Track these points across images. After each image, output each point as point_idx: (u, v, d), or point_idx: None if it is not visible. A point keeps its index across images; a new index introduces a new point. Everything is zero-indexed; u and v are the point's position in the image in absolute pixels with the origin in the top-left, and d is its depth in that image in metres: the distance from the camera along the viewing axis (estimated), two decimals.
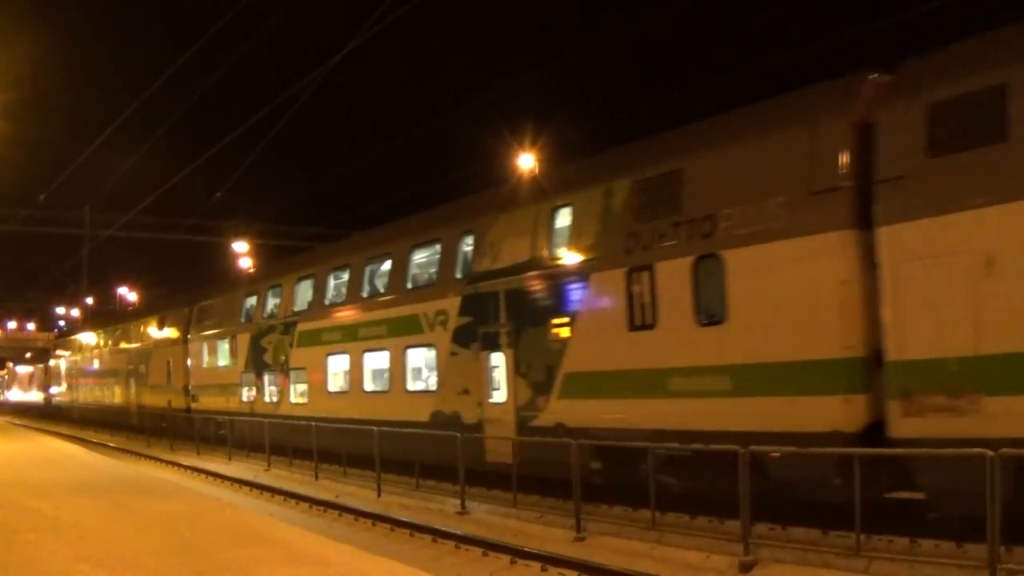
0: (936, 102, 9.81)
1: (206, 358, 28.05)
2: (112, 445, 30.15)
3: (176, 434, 28.53)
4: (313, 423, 20.06)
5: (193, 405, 28.74)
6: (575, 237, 14.26)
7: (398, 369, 18.46)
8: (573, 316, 14.10)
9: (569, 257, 14.28)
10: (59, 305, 71.90)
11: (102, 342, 42.04)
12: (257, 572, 8.32)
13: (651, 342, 12.74)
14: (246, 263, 38.67)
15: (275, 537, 10.49)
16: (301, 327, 22.26)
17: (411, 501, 15.41)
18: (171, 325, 30.99)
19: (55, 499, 13.37)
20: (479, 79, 65.68)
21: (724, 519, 11.35)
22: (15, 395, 74.82)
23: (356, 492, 16.82)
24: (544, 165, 20.61)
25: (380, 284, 19.62)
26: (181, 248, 50.80)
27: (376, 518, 14.07)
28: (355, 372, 19.99)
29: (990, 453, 7.90)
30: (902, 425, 9.83)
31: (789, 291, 11.02)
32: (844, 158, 10.61)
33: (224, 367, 26.56)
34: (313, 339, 21.65)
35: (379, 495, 16.16)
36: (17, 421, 50.93)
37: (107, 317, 49.23)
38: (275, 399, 23.68)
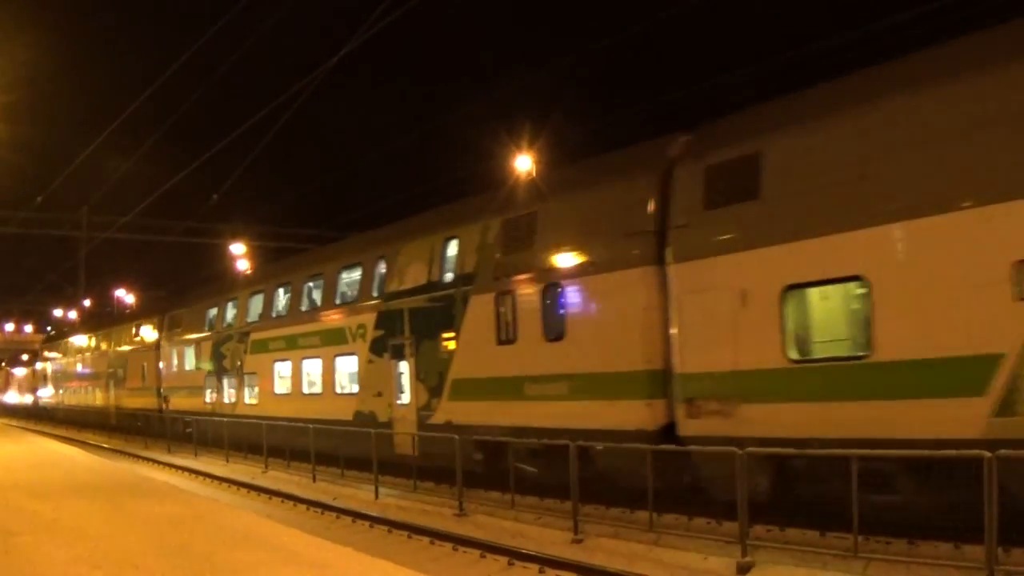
0: (711, 164, 11.65)
1: (175, 363, 29.76)
2: (108, 447, 30.18)
3: (150, 433, 30.15)
4: (263, 422, 21.78)
5: (165, 406, 30.41)
6: (460, 265, 16.05)
7: (328, 375, 20.23)
8: (458, 331, 15.89)
9: (455, 281, 16.08)
10: (57, 307, 69.51)
11: (84, 346, 43.27)
12: (255, 574, 8.07)
13: (512, 354, 14.55)
14: (243, 265, 37.98)
15: (273, 539, 10.17)
16: (253, 336, 24.00)
17: (409, 503, 15.10)
18: (147, 331, 32.64)
19: (53, 501, 13.02)
20: (477, 80, 65.37)
21: (722, 521, 11.01)
22: (12, 397, 73.79)
23: (354, 494, 16.41)
24: (539, 167, 21.64)
25: (315, 300, 21.36)
26: (179, 250, 49.73)
27: (374, 520, 13.77)
28: (295, 377, 21.76)
29: (987, 455, 7.67)
30: (687, 425, 11.67)
31: (609, 315, 12.84)
32: (650, 207, 12.44)
33: (190, 371, 28.28)
34: (262, 347, 23.39)
35: (377, 497, 15.85)
36: (14, 423, 50.85)
37: (90, 322, 49.68)
38: (232, 400, 25.39)
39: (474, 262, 15.62)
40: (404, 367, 17.46)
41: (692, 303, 11.58)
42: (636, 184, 12.70)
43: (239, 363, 24.81)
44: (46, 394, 54.06)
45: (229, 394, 25.70)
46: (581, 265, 13.31)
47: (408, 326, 17.26)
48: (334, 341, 19.92)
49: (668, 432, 12.00)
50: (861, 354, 9.80)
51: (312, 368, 21.14)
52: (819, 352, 10.50)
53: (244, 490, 18.26)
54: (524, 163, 22.94)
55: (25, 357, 71.14)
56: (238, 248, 39.51)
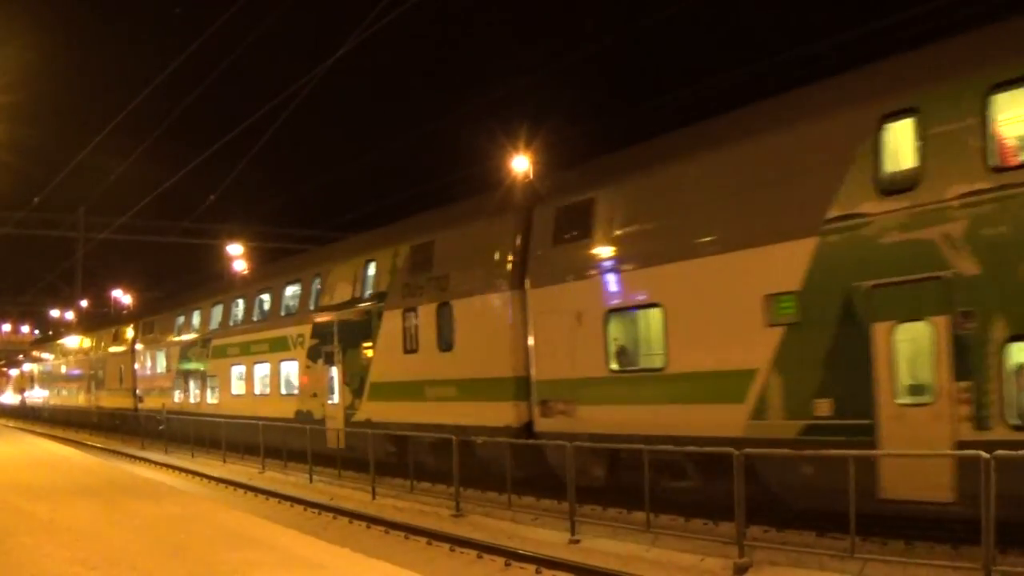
0: (559, 207, 13.64)
1: (149, 366, 31.56)
2: (102, 447, 29.89)
3: (126, 431, 31.94)
4: (222, 420, 23.64)
5: (140, 406, 32.20)
6: (376, 284, 17.99)
7: (275, 378, 22.14)
8: (375, 341, 17.83)
9: (372, 298, 18.02)
10: (54, 308, 67.21)
11: (68, 350, 44.72)
12: (252, 574, 7.93)
13: (416, 362, 16.52)
14: (241, 265, 37.22)
15: (270, 539, 10.00)
16: (214, 342, 25.88)
17: (406, 504, 14.78)
18: (123, 337, 34.41)
19: (50, 501, 12.82)
20: (475, 81, 65.00)
21: (719, 521, 10.84)
22: (7, 398, 73.20)
23: (351, 495, 16.09)
24: (537, 168, 22.13)
25: (265, 311, 23.24)
26: (176, 251, 48.32)
27: (371, 520, 13.48)
28: (248, 380, 23.65)
29: (985, 455, 7.49)
30: (541, 423, 13.67)
31: (486, 330, 14.82)
32: (516, 241, 14.42)
33: (161, 373, 30.10)
34: (222, 352, 25.27)
35: (374, 497, 15.51)
36: (11, 423, 50.55)
37: (73, 327, 50.29)
38: (197, 400, 27.24)
39: (387, 282, 17.57)
40: (334, 372, 19.38)
41: (544, 322, 13.58)
42: (506, 220, 14.68)
43: (202, 367, 26.65)
44: (33, 395, 55.25)
45: (195, 395, 27.54)
46: (466, 288, 15.28)
47: (337, 336, 19.18)
48: (279, 348, 21.82)
49: (529, 428, 13.99)
50: (660, 367, 11.80)
51: (262, 372, 23.04)
52: (631, 364, 12.48)
53: (241, 491, 17.97)
54: (521, 164, 22.98)
55: (21, 357, 70.70)
56: (235, 249, 38.79)
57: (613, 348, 12.54)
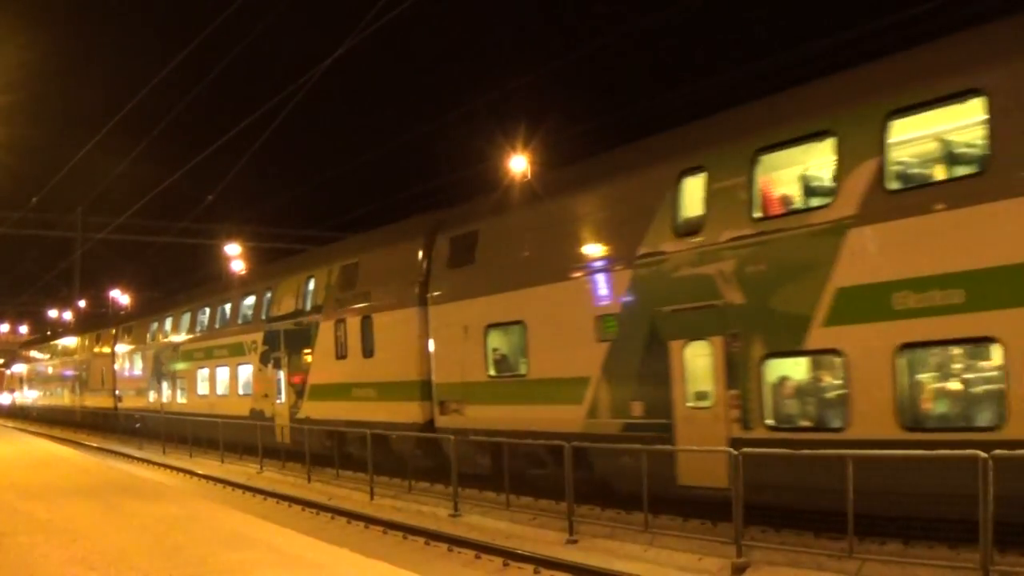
0: (453, 235, 15.62)
1: (127, 368, 33.54)
2: (100, 447, 29.97)
3: (107, 428, 33.88)
4: (189, 417, 25.62)
5: (119, 405, 34.16)
6: (315, 298, 19.98)
7: (233, 380, 24.13)
8: (313, 348, 19.81)
9: (311, 311, 19.99)
10: (52, 308, 67.11)
11: (55, 352, 46.56)
12: (251, 574, 7.84)
13: (345, 366, 18.51)
14: (239, 265, 37.49)
15: (268, 540, 9.83)
16: (182, 347, 27.85)
17: (404, 504, 14.78)
18: (104, 340, 36.36)
19: (47, 501, 12.70)
20: (473, 81, 64.54)
21: (717, 521, 10.68)
22: (4, 398, 72.33)
23: (349, 495, 16.08)
24: (536, 168, 22.40)
25: (226, 319, 25.20)
26: (174, 251, 47.16)
27: (369, 520, 13.49)
28: (211, 381, 25.64)
29: (983, 455, 7.50)
30: (440, 420, 15.67)
31: (398, 340, 16.81)
32: (422, 264, 16.40)
33: (137, 375, 32.08)
34: (189, 356, 27.27)
35: (372, 498, 15.46)
36: (9, 424, 50.12)
37: (58, 331, 51.95)
38: (168, 400, 29.21)
39: (323, 297, 19.55)
40: (281, 375, 21.37)
41: (441, 334, 15.59)
42: (414, 245, 16.67)
43: (173, 369, 28.62)
44: (21, 395, 56.83)
45: (167, 395, 29.50)
46: (383, 303, 17.28)
47: (283, 343, 21.17)
48: (237, 353, 23.80)
49: (431, 424, 15.99)
50: (523, 373, 13.81)
51: (223, 375, 25.02)
52: (505, 371, 14.47)
53: (239, 491, 18.00)
54: (519, 164, 23.19)
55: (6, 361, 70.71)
56: (233, 249, 38.70)
57: (492, 357, 14.54)
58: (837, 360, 9.66)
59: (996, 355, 8.51)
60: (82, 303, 55.66)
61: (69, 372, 42.19)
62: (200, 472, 20.91)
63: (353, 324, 18.22)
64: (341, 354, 18.69)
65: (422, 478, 15.64)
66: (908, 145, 9.60)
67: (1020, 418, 8.13)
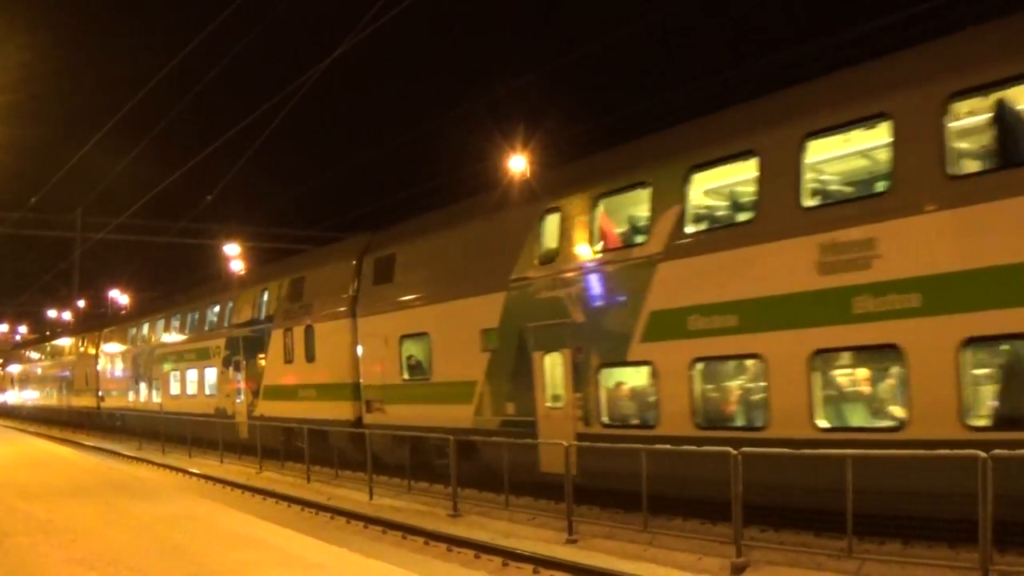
0: (376, 257, 17.91)
1: (109, 369, 35.81)
2: (98, 446, 30.00)
3: (91, 426, 36.16)
4: (162, 415, 27.90)
5: (102, 404, 36.44)
6: (268, 309, 22.27)
7: (200, 381, 26.42)
8: (266, 353, 22.08)
9: (265, 320, 22.27)
10: (51, 308, 65.95)
11: (44, 354, 48.79)
12: (250, 574, 7.88)
13: (292, 370, 20.80)
14: (238, 265, 37.13)
15: (268, 540, 9.84)
16: (158, 351, 30.12)
17: (403, 503, 14.90)
18: (89, 343, 38.61)
19: (47, 501, 12.76)
20: (472, 81, 63.86)
21: (716, 521, 10.69)
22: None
23: (348, 495, 16.20)
24: (535, 168, 21.94)
25: (196, 325, 27.47)
26: (174, 251, 45.73)
27: (369, 520, 13.52)
28: (182, 382, 27.92)
29: (982, 455, 7.58)
30: (367, 417, 17.96)
31: (335, 347, 19.07)
32: (354, 281, 18.66)
33: (118, 377, 34.36)
34: (164, 360, 29.57)
35: (371, 498, 15.58)
36: (8, 423, 50.29)
37: (46, 334, 54.04)
38: (145, 399, 31.50)
39: (275, 307, 21.84)
40: (240, 377, 23.63)
41: (367, 342, 17.88)
42: (347, 264, 18.95)
43: (151, 371, 30.90)
44: (12, 395, 58.95)
45: (144, 395, 31.79)
46: (322, 314, 19.55)
47: (242, 348, 23.45)
48: (204, 357, 26.08)
49: (360, 421, 18.25)
50: (428, 377, 16.10)
51: (192, 376, 27.31)
52: (415, 375, 16.74)
53: (239, 491, 18.06)
54: (519, 163, 22.79)
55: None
56: (232, 248, 38.18)
57: (406, 363, 16.82)
58: (649, 370, 11.93)
59: (760, 368, 10.71)
60: (81, 303, 55.59)
61: (57, 373, 44.38)
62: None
63: (299, 332, 20.50)
64: (289, 359, 20.96)
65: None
66: (701, 195, 11.91)
67: (780, 418, 10.36)
